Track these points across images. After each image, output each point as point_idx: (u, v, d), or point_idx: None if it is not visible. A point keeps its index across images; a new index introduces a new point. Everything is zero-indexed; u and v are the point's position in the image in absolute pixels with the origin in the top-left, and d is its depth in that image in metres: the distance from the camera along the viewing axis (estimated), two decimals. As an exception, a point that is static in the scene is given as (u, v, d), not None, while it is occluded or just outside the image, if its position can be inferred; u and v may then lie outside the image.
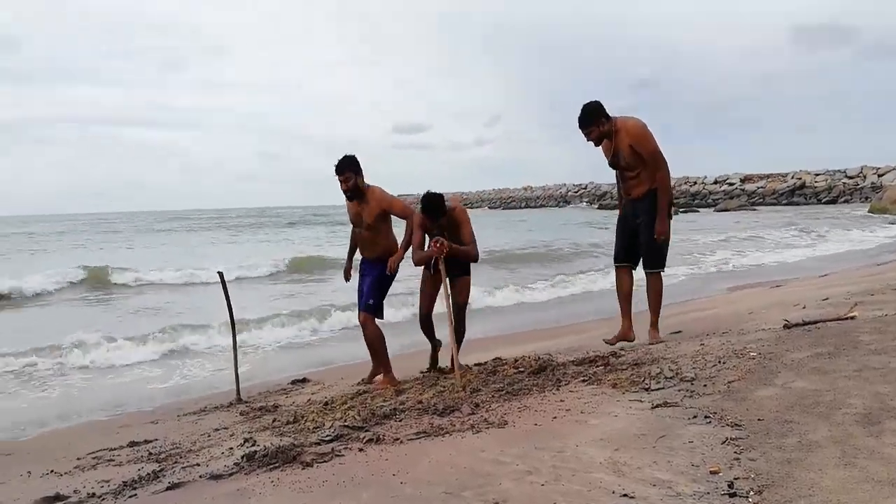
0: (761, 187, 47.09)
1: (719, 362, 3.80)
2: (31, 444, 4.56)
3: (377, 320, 5.00)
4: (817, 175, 46.42)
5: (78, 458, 3.84)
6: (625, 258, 5.01)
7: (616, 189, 5.22)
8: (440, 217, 4.76)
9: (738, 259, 15.33)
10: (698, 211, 42.59)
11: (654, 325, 4.96)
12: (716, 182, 50.98)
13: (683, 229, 25.60)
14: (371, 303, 4.94)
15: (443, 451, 2.94)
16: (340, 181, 4.83)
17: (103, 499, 2.97)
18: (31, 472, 3.64)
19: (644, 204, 4.79)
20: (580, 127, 4.74)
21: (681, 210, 42.90)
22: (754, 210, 39.71)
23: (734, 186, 49.19)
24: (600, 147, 4.87)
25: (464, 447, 2.96)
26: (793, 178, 47.24)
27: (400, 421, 3.60)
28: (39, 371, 6.90)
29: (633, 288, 5.11)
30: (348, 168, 4.79)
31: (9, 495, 3.23)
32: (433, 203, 4.72)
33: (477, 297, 11.04)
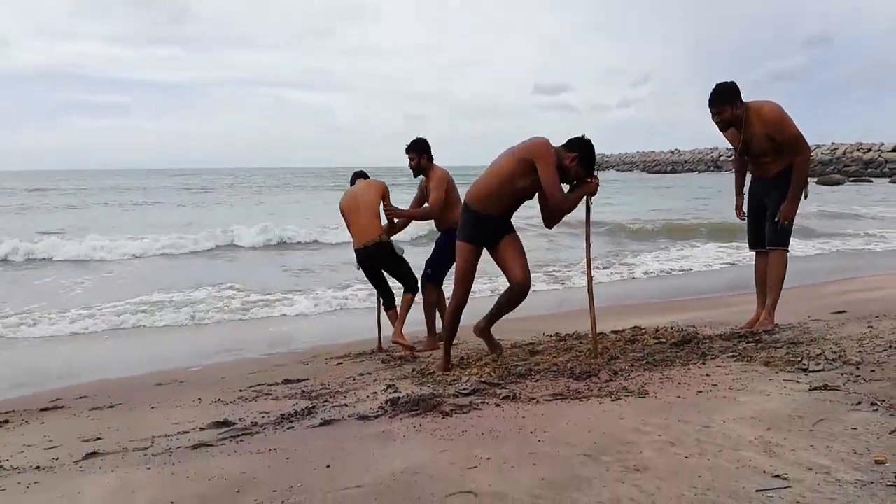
0: (949, 157, 41.53)
1: (890, 347, 3.47)
2: (200, 374, 5.08)
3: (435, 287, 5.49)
4: None
5: (240, 390, 4.24)
6: (759, 243, 4.67)
7: (734, 173, 4.86)
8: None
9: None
10: (871, 181, 38.46)
11: (772, 307, 4.56)
12: (894, 149, 45.60)
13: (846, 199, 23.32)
14: (429, 272, 5.44)
15: (580, 414, 2.94)
16: (409, 160, 5.39)
17: (265, 427, 3.26)
18: (202, 399, 4.07)
19: (777, 181, 4.43)
20: (711, 105, 4.39)
21: (850, 179, 38.95)
22: (940, 182, 35.19)
23: (917, 154, 43.75)
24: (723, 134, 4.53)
25: (602, 413, 2.93)
26: None
27: (535, 381, 3.63)
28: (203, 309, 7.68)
29: None
30: (413, 149, 5.36)
31: (185, 417, 3.64)
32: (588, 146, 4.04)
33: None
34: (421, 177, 5.53)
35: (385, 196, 5.45)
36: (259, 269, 11.39)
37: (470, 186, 4.18)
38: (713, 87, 4.42)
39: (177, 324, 7.25)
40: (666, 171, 63.40)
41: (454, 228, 5.34)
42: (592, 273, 4.26)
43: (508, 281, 4.20)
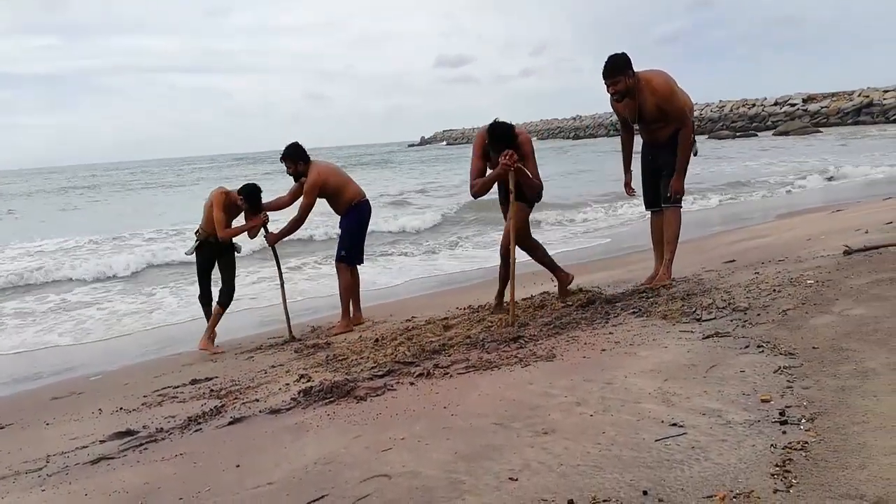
0: (825, 107, 44.59)
1: (774, 291, 3.71)
2: (101, 383, 4.82)
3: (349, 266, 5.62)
4: (886, 91, 43.63)
5: (144, 396, 4.05)
6: (654, 203, 4.88)
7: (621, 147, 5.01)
8: (509, 147, 4.39)
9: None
10: (756, 135, 40.80)
11: (670, 262, 4.77)
12: (776, 103, 48.51)
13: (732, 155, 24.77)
14: (343, 254, 5.55)
15: (492, 384, 2.98)
16: (286, 168, 5.50)
17: (170, 433, 3.13)
18: (102, 410, 3.86)
19: (670, 143, 4.63)
20: (605, 77, 4.47)
21: (737, 135, 41.15)
22: (818, 132, 37.72)
23: (796, 107, 46.72)
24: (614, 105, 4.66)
25: (512, 380, 2.99)
26: (859, 95, 44.53)
27: (449, 356, 3.66)
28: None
29: None
30: (287, 158, 5.45)
31: (83, 431, 3.45)
32: (503, 132, 4.41)
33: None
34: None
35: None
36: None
37: None
38: (606, 59, 4.47)
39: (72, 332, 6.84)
40: (568, 137, 65.06)
41: (353, 209, 5.43)
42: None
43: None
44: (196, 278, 5.87)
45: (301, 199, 5.39)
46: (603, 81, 4.51)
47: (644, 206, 5.07)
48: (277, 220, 5.77)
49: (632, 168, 4.98)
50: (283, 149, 5.46)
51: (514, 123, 4.51)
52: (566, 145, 51.76)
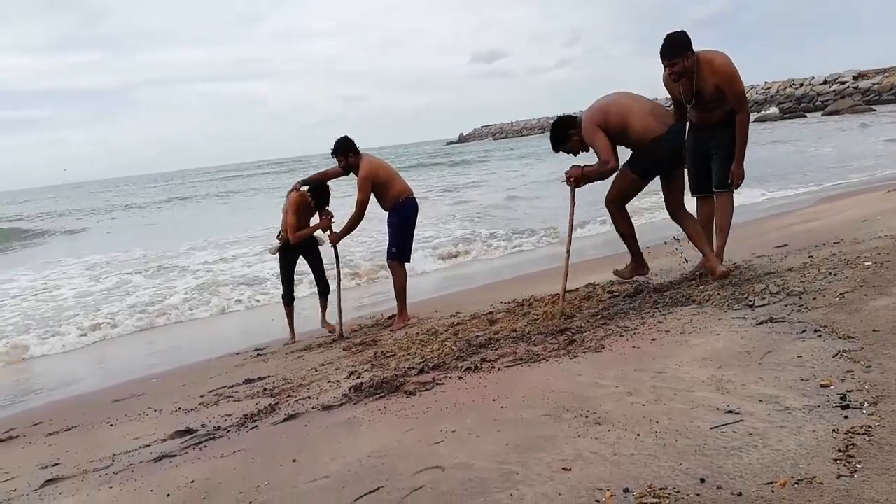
0: (877, 84, 42.90)
1: (830, 274, 3.60)
2: (159, 384, 4.97)
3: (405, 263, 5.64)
4: (943, 64, 41.70)
5: (201, 396, 4.16)
6: (702, 189, 4.73)
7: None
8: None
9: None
10: (805, 116, 39.50)
11: (721, 249, 4.62)
12: (825, 82, 46.84)
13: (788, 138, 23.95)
14: (394, 251, 5.52)
15: (540, 376, 2.98)
16: (337, 163, 5.53)
17: (228, 431, 3.21)
18: (162, 410, 3.98)
19: (723, 125, 4.48)
20: (665, 57, 4.34)
21: (784, 116, 39.92)
22: (871, 110, 36.26)
23: (846, 85, 45.04)
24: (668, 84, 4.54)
25: (561, 372, 2.98)
26: (914, 70, 42.68)
27: (496, 350, 3.66)
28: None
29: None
30: (338, 152, 5.47)
31: (145, 430, 3.56)
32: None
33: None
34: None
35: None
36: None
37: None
38: (665, 37, 4.33)
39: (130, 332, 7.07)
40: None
41: (399, 206, 5.45)
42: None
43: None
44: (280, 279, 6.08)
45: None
46: (661, 61, 4.42)
47: (690, 192, 4.93)
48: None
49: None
50: (334, 144, 5.50)
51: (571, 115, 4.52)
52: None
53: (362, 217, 5.53)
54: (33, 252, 17.78)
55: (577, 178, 4.40)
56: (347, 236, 5.76)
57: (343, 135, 5.53)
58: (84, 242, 18.74)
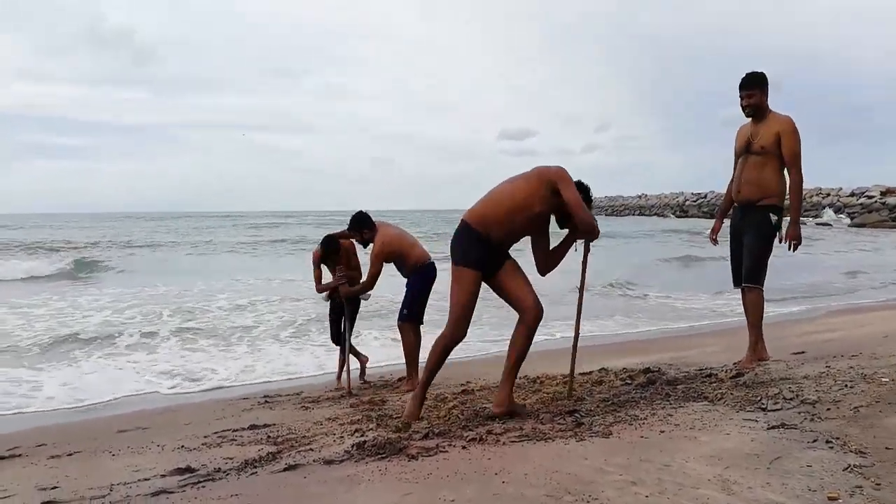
0: (904, 202, 42.91)
1: (846, 386, 3.57)
2: (165, 419, 4.98)
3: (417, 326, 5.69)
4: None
5: (205, 436, 4.16)
6: (739, 279, 4.76)
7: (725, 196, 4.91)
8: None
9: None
10: (831, 225, 39.53)
11: (754, 346, 4.64)
12: (852, 194, 47.09)
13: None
14: (405, 312, 5.61)
15: (545, 455, 2.96)
16: (353, 237, 5.84)
17: (227, 474, 3.21)
18: (165, 446, 3.99)
19: (753, 215, 4.55)
20: (742, 87, 4.58)
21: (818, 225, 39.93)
22: (896, 227, 36.16)
23: (873, 199, 45.15)
24: (735, 132, 4.70)
25: (566, 453, 2.96)
26: (941, 192, 42.71)
27: (503, 423, 3.64)
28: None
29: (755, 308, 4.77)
30: (353, 228, 5.70)
31: (146, 463, 3.57)
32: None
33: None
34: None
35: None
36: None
37: (474, 207, 3.84)
38: (745, 73, 4.60)
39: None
40: (633, 215, 64.54)
41: (419, 270, 5.56)
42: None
43: (520, 311, 3.84)
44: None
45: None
46: (738, 92, 4.61)
47: (733, 284, 4.87)
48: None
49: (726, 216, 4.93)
50: (349, 220, 5.73)
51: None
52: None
53: (372, 288, 5.71)
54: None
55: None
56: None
57: (357, 211, 5.77)
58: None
